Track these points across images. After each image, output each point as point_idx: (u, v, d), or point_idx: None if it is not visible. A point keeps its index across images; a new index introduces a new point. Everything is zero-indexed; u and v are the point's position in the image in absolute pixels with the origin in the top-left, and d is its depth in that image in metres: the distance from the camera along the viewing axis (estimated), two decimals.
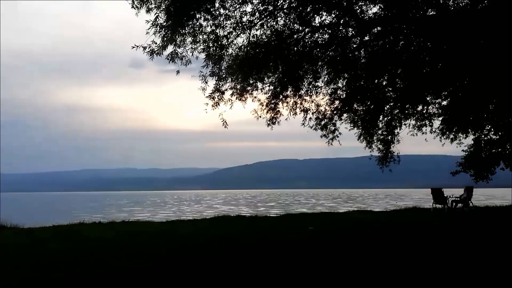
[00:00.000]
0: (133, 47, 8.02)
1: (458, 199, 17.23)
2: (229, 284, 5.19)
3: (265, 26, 9.29)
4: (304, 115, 10.79)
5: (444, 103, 11.98)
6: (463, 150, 19.13)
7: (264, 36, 9.33)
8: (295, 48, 9.52)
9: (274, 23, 9.29)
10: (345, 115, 11.20)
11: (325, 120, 11.01)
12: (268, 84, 10.12)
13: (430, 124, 12.26)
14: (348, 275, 5.46)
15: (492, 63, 8.66)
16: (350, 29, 9.71)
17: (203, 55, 8.84)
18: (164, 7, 7.79)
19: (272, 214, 19.47)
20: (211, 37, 8.73)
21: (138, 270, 5.91)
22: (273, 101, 10.35)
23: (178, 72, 8.66)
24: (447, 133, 13.73)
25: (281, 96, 10.39)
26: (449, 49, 8.72)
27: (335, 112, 11.03)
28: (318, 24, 9.48)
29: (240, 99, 9.90)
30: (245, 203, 55.02)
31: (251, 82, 9.79)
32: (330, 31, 9.67)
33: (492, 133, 16.75)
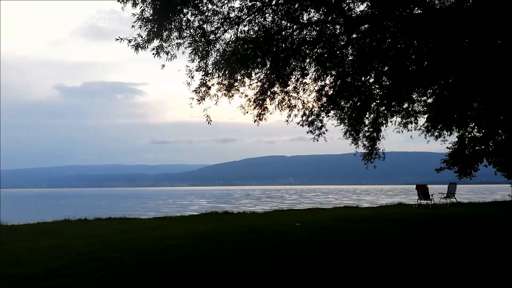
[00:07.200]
0: (117, 39, 7.88)
1: (443, 195, 17.65)
2: None
3: (253, 22, 9.26)
4: (290, 111, 10.84)
5: (430, 101, 12.18)
6: (447, 147, 19.42)
7: (252, 32, 9.31)
8: (283, 45, 9.51)
9: (262, 19, 9.27)
10: (332, 111, 11.29)
11: (312, 116, 11.08)
12: (255, 80, 10.12)
13: (416, 121, 12.48)
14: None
15: (478, 61, 8.80)
16: (337, 26, 9.75)
17: (189, 50, 8.79)
18: (150, 0, 7.69)
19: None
20: (198, 32, 8.67)
21: None
22: (260, 97, 10.35)
23: (163, 66, 8.59)
24: (432, 130, 13.98)
25: (268, 93, 10.40)
26: (435, 48, 8.83)
27: (322, 108, 11.10)
28: (306, 21, 9.49)
29: (227, 95, 9.87)
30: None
31: (238, 78, 9.77)
32: (318, 28, 9.70)
33: (475, 130, 17.06)
